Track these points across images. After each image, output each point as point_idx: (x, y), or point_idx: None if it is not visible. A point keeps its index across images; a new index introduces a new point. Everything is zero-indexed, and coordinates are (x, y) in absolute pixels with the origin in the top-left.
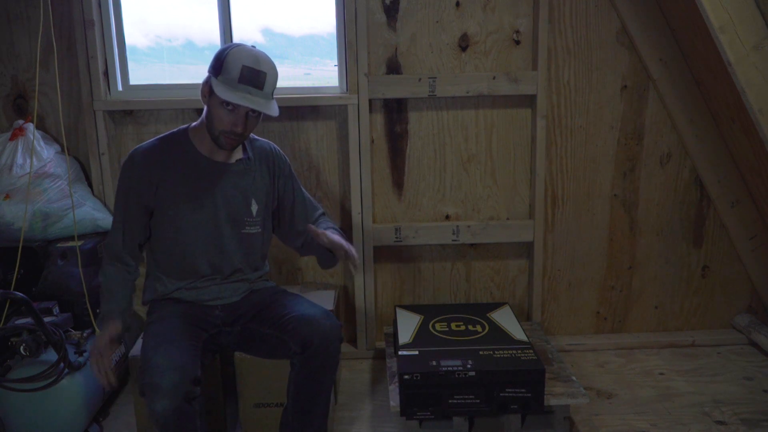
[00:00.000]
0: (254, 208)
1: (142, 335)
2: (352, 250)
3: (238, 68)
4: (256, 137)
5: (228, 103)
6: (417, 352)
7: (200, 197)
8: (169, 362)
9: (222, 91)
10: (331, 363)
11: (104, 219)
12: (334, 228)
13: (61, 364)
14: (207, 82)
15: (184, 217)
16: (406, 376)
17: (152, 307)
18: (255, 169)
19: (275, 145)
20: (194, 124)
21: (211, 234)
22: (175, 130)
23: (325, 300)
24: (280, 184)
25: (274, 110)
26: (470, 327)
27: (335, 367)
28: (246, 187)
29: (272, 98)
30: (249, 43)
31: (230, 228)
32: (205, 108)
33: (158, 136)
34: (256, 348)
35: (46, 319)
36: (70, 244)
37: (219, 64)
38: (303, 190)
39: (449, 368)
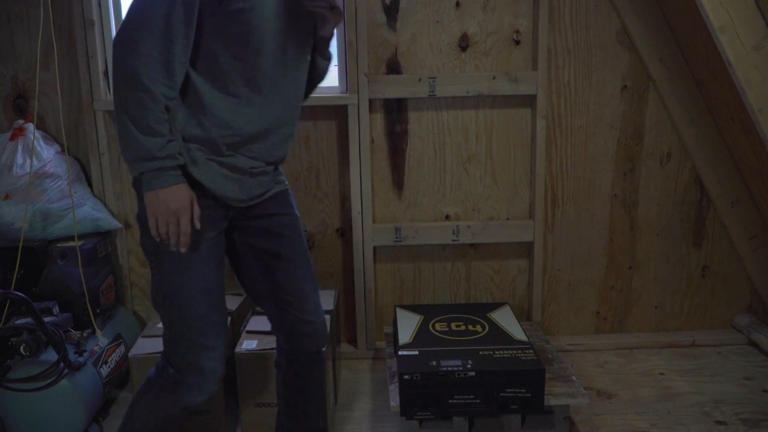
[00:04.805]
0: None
1: (154, 258)
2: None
3: None
4: None
5: None
6: (417, 352)
7: None
8: (217, 344)
9: None
10: (317, 361)
11: (104, 219)
12: None
13: (61, 364)
14: None
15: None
16: (406, 376)
17: None
18: None
19: None
20: None
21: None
22: None
23: (325, 300)
24: None
25: None
26: (470, 327)
27: (323, 365)
28: None
29: None
30: None
31: (296, 54)
32: None
33: None
34: (248, 279)
35: (46, 319)
36: (70, 244)
37: None
38: None
39: (449, 368)
